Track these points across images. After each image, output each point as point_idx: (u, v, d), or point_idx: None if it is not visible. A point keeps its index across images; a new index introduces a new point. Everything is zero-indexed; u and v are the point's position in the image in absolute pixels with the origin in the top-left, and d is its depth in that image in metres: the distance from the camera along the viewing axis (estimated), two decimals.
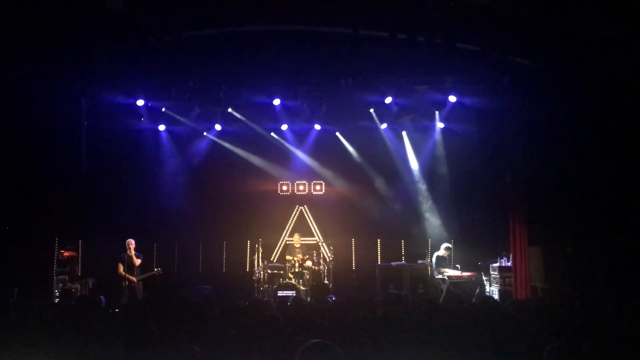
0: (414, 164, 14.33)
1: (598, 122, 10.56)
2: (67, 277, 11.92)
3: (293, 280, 12.56)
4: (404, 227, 14.10)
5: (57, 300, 11.02)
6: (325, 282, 12.81)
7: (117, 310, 7.20)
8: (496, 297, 11.67)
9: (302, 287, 12.39)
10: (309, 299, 11.39)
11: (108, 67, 10.95)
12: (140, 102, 12.63)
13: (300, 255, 13.04)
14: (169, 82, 12.04)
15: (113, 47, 10.51)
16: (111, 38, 10.15)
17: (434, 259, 12.63)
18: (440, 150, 13.99)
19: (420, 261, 12.92)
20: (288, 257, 13.21)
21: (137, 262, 11.48)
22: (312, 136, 14.36)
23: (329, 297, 11.41)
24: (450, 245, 12.92)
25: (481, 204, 13.29)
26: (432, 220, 14.13)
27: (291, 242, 13.99)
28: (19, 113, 10.88)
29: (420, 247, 13.75)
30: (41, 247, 11.19)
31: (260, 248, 13.10)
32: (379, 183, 14.38)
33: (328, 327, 5.27)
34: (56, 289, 11.37)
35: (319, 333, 5.04)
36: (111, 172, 13.35)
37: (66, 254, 12.45)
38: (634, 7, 8.56)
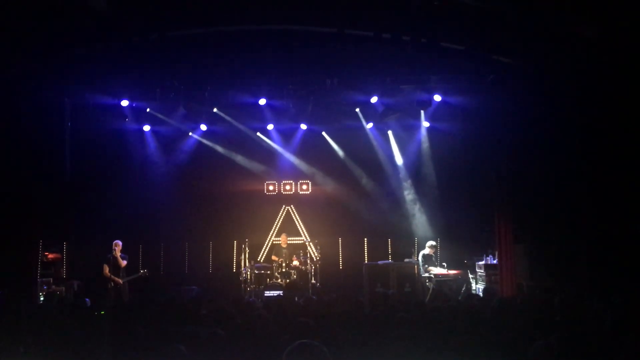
0: (400, 162, 14.38)
1: (581, 120, 10.70)
2: (51, 280, 11.78)
3: (280, 280, 12.55)
4: (391, 225, 14.14)
5: (41, 302, 10.88)
6: (312, 281, 12.80)
7: (102, 312, 7.13)
8: (481, 294, 11.74)
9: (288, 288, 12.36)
10: (295, 299, 11.38)
11: (91, 66, 10.87)
12: (124, 103, 12.53)
13: (286, 255, 13.02)
14: (154, 82, 11.97)
15: (96, 47, 10.43)
16: (94, 37, 10.07)
17: (420, 258, 12.67)
18: (426, 149, 14.04)
19: (407, 260, 12.92)
20: (275, 257, 13.19)
21: (123, 263, 11.39)
22: (298, 136, 14.35)
23: (312, 296, 11.41)
24: (434, 243, 12.97)
25: (467, 202, 13.36)
26: (419, 219, 14.19)
27: (278, 242, 13.98)
28: (1, 114, 10.74)
29: (406, 245, 13.80)
30: (25, 250, 11.05)
31: (246, 248, 13.07)
32: (365, 182, 14.42)
33: (314, 326, 5.27)
34: (40, 292, 11.23)
35: (306, 332, 5.04)
36: (96, 173, 13.23)
37: (50, 256, 12.32)
38: (614, 7, 8.68)
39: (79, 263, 12.76)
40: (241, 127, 13.87)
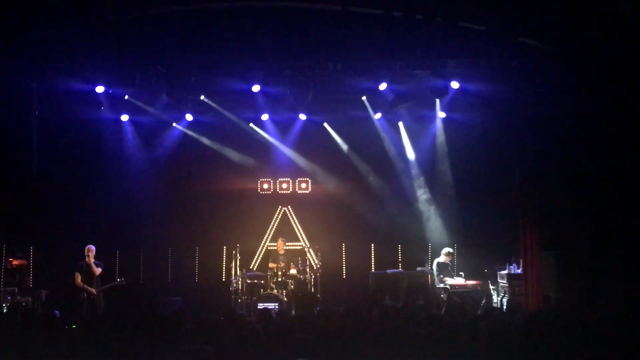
0: (412, 158, 14.38)
1: (620, 112, 10.66)
2: (16, 289, 11.80)
3: (275, 290, 12.57)
4: (401, 230, 14.14)
5: (4, 314, 10.90)
6: (312, 292, 12.82)
7: (74, 326, 7.15)
8: (505, 307, 11.75)
9: (285, 299, 12.40)
10: (293, 312, 11.40)
11: (62, 48, 10.86)
12: (99, 89, 12.54)
13: (283, 263, 13.04)
14: (133, 66, 11.95)
15: (67, 26, 10.41)
16: (65, 16, 10.06)
17: (434, 266, 12.67)
18: (442, 143, 14.05)
19: (419, 268, 12.96)
20: (270, 265, 13.21)
21: (97, 271, 11.41)
22: (296, 127, 14.36)
23: (316, 308, 11.43)
24: (451, 250, 12.98)
25: (488, 203, 13.36)
26: (433, 223, 14.19)
27: (273, 248, 14.00)
28: None
29: (419, 252, 13.79)
30: None
31: (238, 255, 13.07)
32: (373, 180, 14.42)
33: (315, 343, 5.29)
34: (4, 303, 11.25)
35: (305, 350, 5.05)
36: (67, 168, 13.23)
37: (15, 262, 12.33)
38: None
39: (47, 270, 12.75)
40: (232, 117, 13.88)
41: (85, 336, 6.27)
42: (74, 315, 10.49)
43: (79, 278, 11.29)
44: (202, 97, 13.09)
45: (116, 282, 11.65)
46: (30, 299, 11.80)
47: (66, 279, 11.61)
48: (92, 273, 11.37)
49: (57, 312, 8.33)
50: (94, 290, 11.33)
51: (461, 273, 12.78)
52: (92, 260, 11.40)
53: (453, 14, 10.16)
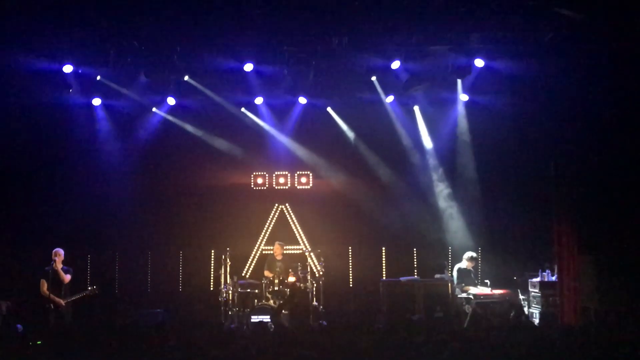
0: (429, 148, 14.37)
1: None
2: None
3: (271, 301, 12.57)
4: (417, 231, 14.15)
5: None
6: (314, 303, 12.83)
7: (38, 342, 7.17)
8: (537, 321, 11.76)
9: (283, 311, 12.39)
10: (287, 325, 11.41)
11: (23, 21, 10.82)
12: (67, 69, 12.49)
13: (280, 269, 13.04)
14: (106, 41, 11.94)
15: None
16: None
17: (455, 273, 12.69)
18: (464, 130, 14.04)
19: (437, 276, 12.96)
20: (265, 273, 13.21)
21: (66, 278, 11.42)
22: (295, 113, 14.34)
23: (321, 322, 11.43)
24: (474, 255, 12.98)
25: (517, 201, 13.37)
26: (454, 223, 14.19)
27: (269, 252, 14.00)
28: None
29: (437, 257, 13.82)
30: None
31: (228, 260, 13.06)
32: (384, 174, 14.41)
33: None
34: None
35: None
36: (29, 161, 13.25)
37: None
38: None
39: (8, 278, 12.77)
40: (220, 100, 13.85)
41: (51, 354, 6.27)
42: (39, 329, 10.54)
43: (44, 286, 11.29)
44: (186, 78, 13.04)
45: (87, 292, 11.65)
46: None
47: (30, 287, 11.62)
48: (59, 281, 11.37)
49: (19, 326, 8.37)
50: (62, 301, 11.34)
51: (486, 281, 12.80)
52: (59, 265, 11.40)
53: None
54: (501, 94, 13.26)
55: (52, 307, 11.26)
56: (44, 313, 11.21)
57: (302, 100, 14.06)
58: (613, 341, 6.64)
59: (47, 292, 11.26)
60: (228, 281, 12.90)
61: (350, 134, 14.55)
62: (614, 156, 11.41)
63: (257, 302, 12.65)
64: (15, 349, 6.59)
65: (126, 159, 14.09)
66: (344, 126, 14.55)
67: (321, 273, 13.31)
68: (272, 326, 10.02)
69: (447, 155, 14.31)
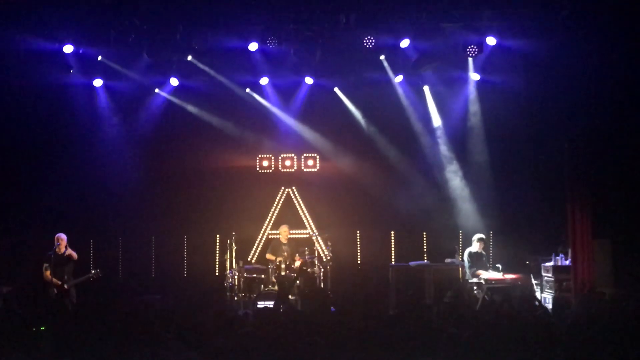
0: (439, 129, 14.32)
1: None
2: None
3: (277, 286, 12.60)
4: (426, 215, 14.12)
5: None
6: (322, 287, 12.86)
7: (42, 328, 7.19)
8: (550, 306, 11.76)
9: (290, 296, 12.43)
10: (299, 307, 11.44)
11: (21, 0, 10.79)
12: (68, 49, 12.50)
13: (287, 254, 13.07)
14: (107, 21, 11.91)
15: None
16: None
17: (465, 257, 12.69)
18: (475, 111, 13.98)
19: (448, 260, 12.98)
20: (271, 257, 13.24)
21: (73, 254, 11.49)
22: (301, 93, 14.30)
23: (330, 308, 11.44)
24: (483, 236, 12.96)
25: (530, 183, 13.33)
26: (465, 206, 14.17)
27: (276, 237, 14.01)
28: None
29: (448, 241, 13.80)
30: None
31: (233, 245, 13.11)
32: (393, 156, 14.37)
33: (324, 348, 5.28)
34: None
35: (313, 356, 5.04)
36: (30, 143, 13.28)
37: None
38: None
39: (10, 263, 12.85)
40: (225, 81, 13.83)
41: (55, 338, 6.29)
42: (41, 315, 10.59)
43: (47, 271, 11.37)
44: (189, 58, 13.04)
45: (90, 275, 11.71)
46: None
47: (32, 272, 11.67)
48: (63, 263, 11.45)
49: (20, 311, 8.38)
50: (65, 286, 11.41)
51: (498, 265, 12.79)
52: (62, 250, 11.47)
53: None
54: (514, 73, 13.20)
55: (55, 291, 11.34)
56: (47, 298, 11.29)
57: (309, 80, 14.02)
58: (630, 327, 6.61)
59: (50, 277, 11.33)
60: (234, 266, 12.95)
61: (358, 115, 14.49)
62: (630, 137, 11.35)
63: (263, 287, 12.68)
64: (17, 334, 6.61)
65: (128, 142, 14.11)
66: (351, 107, 14.49)
67: (329, 258, 13.34)
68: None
69: (458, 136, 14.27)
